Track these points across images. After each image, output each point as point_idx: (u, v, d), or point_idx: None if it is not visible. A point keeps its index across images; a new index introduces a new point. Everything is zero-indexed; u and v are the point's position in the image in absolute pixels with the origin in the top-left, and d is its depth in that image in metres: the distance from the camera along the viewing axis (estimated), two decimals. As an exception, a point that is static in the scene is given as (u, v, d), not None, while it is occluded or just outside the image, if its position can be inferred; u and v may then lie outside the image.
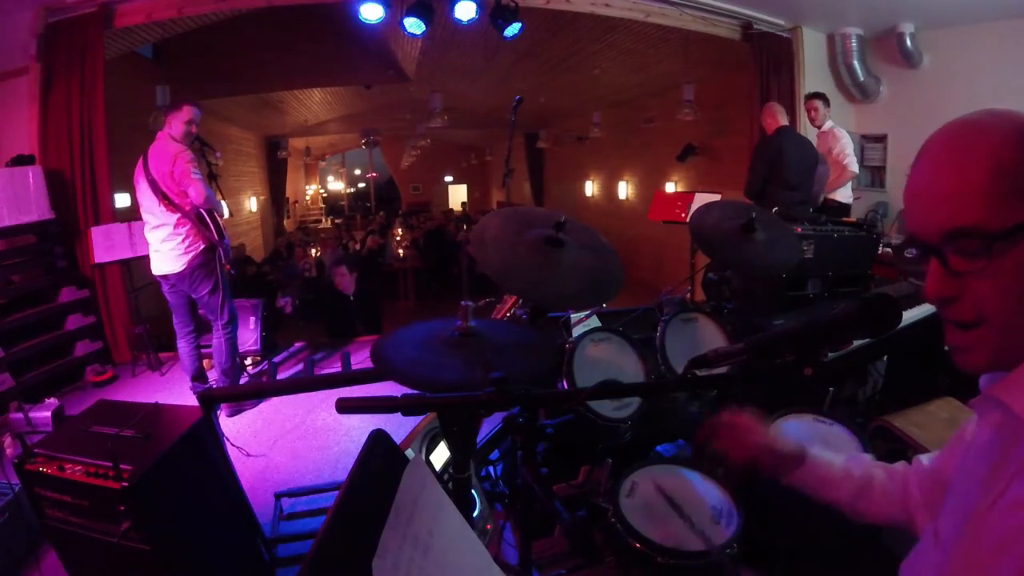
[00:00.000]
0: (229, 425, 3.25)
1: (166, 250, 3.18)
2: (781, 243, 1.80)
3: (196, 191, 3.10)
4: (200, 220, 3.20)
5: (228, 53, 6.34)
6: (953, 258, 0.63)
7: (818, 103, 4.64)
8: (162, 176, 3.08)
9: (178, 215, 3.13)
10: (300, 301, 6.64)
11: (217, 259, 3.27)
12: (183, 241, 3.16)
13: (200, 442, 1.68)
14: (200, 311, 3.41)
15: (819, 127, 4.69)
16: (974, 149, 0.62)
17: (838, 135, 4.59)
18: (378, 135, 14.69)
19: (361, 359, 4.15)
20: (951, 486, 0.76)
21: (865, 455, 1.03)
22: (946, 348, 0.70)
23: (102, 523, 1.48)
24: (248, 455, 2.91)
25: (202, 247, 3.21)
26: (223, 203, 3.45)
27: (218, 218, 3.30)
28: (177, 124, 3.15)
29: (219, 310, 3.32)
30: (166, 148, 3.11)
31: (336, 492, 0.77)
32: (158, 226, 3.18)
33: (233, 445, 2.85)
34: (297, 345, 4.61)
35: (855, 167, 4.61)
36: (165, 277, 3.25)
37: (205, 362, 3.60)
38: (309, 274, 8.31)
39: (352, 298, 4.95)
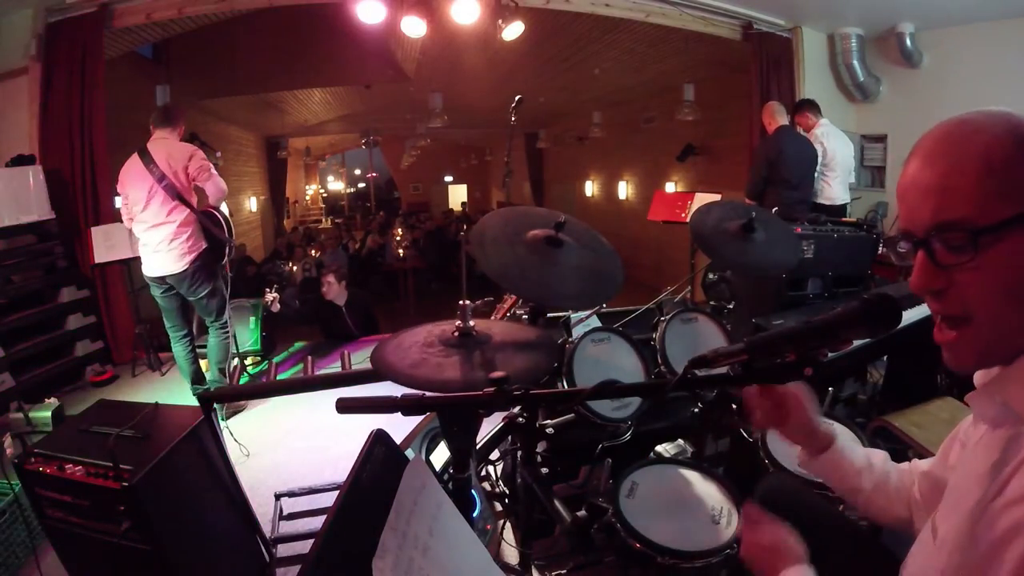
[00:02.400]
0: (229, 425, 3.25)
1: (166, 250, 3.10)
2: (781, 243, 1.81)
3: (214, 187, 3.13)
4: (210, 218, 3.18)
5: (228, 53, 6.35)
6: (939, 251, 0.64)
7: (808, 113, 4.57)
8: (175, 171, 3.07)
9: (186, 212, 3.10)
10: (297, 301, 6.62)
11: (219, 260, 3.24)
12: (187, 240, 3.11)
13: (200, 442, 1.68)
14: (196, 312, 3.40)
15: (810, 129, 4.61)
16: (965, 146, 0.63)
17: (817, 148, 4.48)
18: (378, 135, 14.68)
19: (361, 359, 4.15)
20: (949, 483, 0.77)
21: (881, 451, 1.03)
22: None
23: (102, 523, 1.48)
24: (248, 455, 2.91)
25: (204, 247, 3.17)
26: (224, 204, 3.44)
27: (226, 215, 3.30)
28: (177, 136, 3.24)
29: (216, 311, 3.31)
30: (177, 144, 3.14)
31: (336, 492, 0.77)
32: (158, 224, 3.09)
33: (236, 442, 2.85)
34: (297, 345, 4.61)
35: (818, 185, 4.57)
36: (162, 279, 3.17)
37: (203, 363, 3.59)
38: (309, 274, 8.31)
39: (344, 308, 4.81)
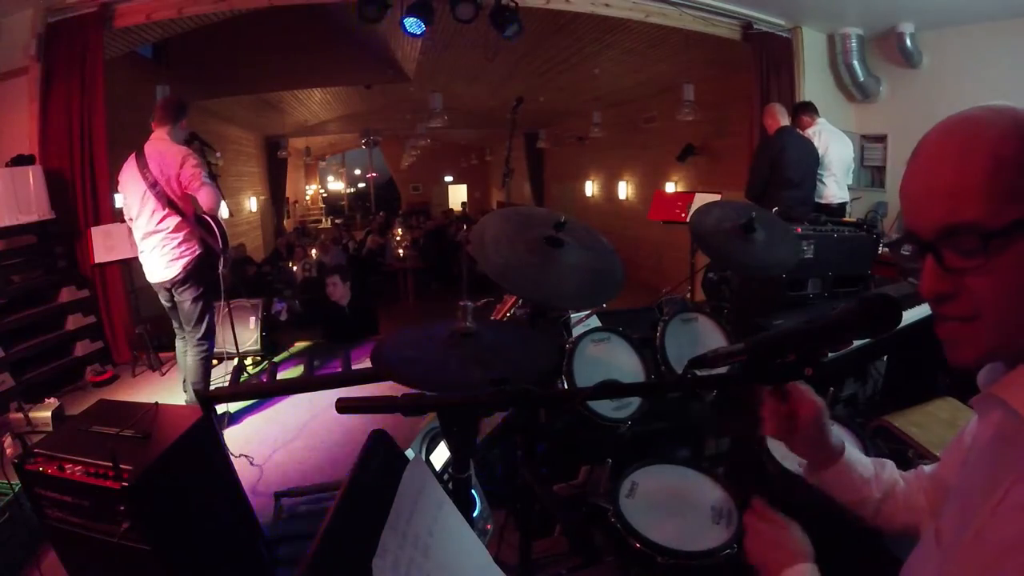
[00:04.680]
0: (229, 426, 3.25)
1: (158, 256, 3.03)
2: (781, 243, 1.81)
3: (206, 196, 2.97)
4: (204, 226, 3.07)
5: (228, 53, 6.34)
6: (949, 255, 0.62)
7: (804, 116, 4.59)
8: (167, 179, 2.96)
9: (179, 219, 3.00)
10: (299, 302, 6.63)
11: (213, 268, 3.12)
12: (179, 246, 3.02)
13: (200, 442, 1.68)
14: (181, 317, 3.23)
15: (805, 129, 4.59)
16: (972, 145, 0.60)
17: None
18: (378, 135, 14.69)
19: (361, 359, 4.15)
20: (953, 488, 0.76)
21: (887, 460, 1.02)
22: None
23: (102, 523, 1.48)
24: (247, 459, 2.90)
25: (198, 252, 3.07)
26: (224, 204, 3.40)
27: (223, 224, 3.16)
28: (180, 129, 3.08)
29: (196, 320, 3.14)
30: (170, 148, 3.00)
31: (336, 492, 0.77)
32: (150, 233, 3.01)
33: (235, 456, 2.80)
34: (297, 345, 4.62)
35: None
36: (161, 284, 3.11)
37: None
38: (309, 274, 8.31)
39: (347, 309, 4.86)
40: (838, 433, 0.97)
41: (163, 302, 3.22)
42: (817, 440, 0.93)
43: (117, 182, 3.15)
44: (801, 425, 0.90)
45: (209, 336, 3.21)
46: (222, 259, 3.16)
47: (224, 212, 3.26)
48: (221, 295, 3.31)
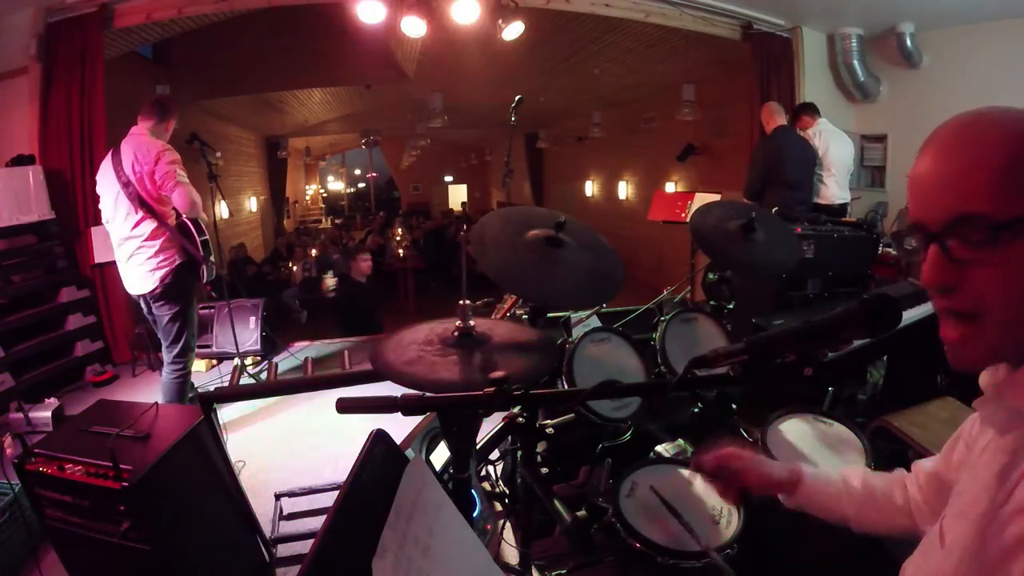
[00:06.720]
0: (228, 425, 3.24)
1: (135, 266, 2.75)
2: (781, 243, 1.81)
3: (180, 197, 2.69)
4: (183, 232, 2.83)
5: (228, 53, 6.35)
6: (955, 245, 0.62)
7: (805, 116, 4.59)
8: (140, 177, 2.69)
9: (155, 224, 2.72)
10: (299, 302, 6.69)
11: (195, 280, 2.89)
12: (156, 255, 2.73)
13: (200, 442, 1.68)
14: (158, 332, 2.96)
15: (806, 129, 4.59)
16: (985, 138, 0.61)
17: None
18: (378, 135, 14.67)
19: (361, 359, 4.15)
20: (956, 488, 0.76)
21: (859, 468, 1.03)
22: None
23: (102, 523, 1.48)
24: (246, 460, 2.90)
25: (179, 263, 2.79)
26: (224, 204, 3.35)
27: (204, 229, 2.94)
28: (164, 130, 2.87)
29: (173, 339, 2.86)
30: (147, 144, 2.72)
31: (336, 492, 0.77)
32: (127, 238, 2.75)
33: (234, 457, 2.78)
34: (297, 345, 4.62)
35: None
36: (139, 296, 2.86)
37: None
38: (309, 274, 8.31)
39: (366, 282, 5.41)
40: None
41: (144, 312, 2.97)
42: (765, 473, 1.02)
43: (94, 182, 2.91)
44: (741, 468, 1.03)
45: (185, 354, 2.92)
46: (204, 267, 2.90)
47: (202, 223, 2.99)
48: (193, 306, 3.00)
